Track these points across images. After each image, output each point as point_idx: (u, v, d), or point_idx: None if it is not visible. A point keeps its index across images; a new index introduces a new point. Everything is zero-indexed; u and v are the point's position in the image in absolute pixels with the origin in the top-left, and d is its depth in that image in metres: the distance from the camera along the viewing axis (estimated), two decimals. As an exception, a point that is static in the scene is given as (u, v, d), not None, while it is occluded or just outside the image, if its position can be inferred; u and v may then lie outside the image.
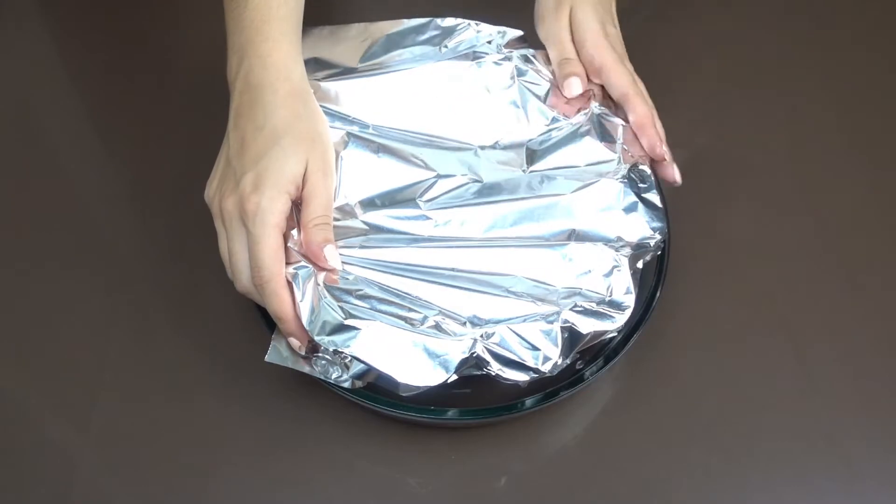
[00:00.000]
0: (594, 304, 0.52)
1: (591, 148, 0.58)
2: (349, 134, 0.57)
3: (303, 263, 0.51)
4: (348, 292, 0.51)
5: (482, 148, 0.59)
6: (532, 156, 0.58)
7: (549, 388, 0.52)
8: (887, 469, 0.55)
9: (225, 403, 0.58)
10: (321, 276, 0.51)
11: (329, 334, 0.49)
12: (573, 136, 0.59)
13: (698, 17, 0.76)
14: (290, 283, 0.50)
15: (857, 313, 0.61)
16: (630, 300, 0.53)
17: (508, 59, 0.61)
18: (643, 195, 0.56)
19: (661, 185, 0.57)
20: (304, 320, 0.50)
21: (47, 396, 0.59)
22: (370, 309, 0.51)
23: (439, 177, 0.57)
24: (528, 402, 0.52)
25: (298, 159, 0.51)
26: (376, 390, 0.51)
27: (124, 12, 0.79)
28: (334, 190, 0.55)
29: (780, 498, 0.54)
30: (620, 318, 0.52)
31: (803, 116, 0.71)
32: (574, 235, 0.54)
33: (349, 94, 0.59)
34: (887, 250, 0.64)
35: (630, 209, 0.55)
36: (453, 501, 0.55)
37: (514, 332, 0.50)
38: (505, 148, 0.59)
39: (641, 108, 0.58)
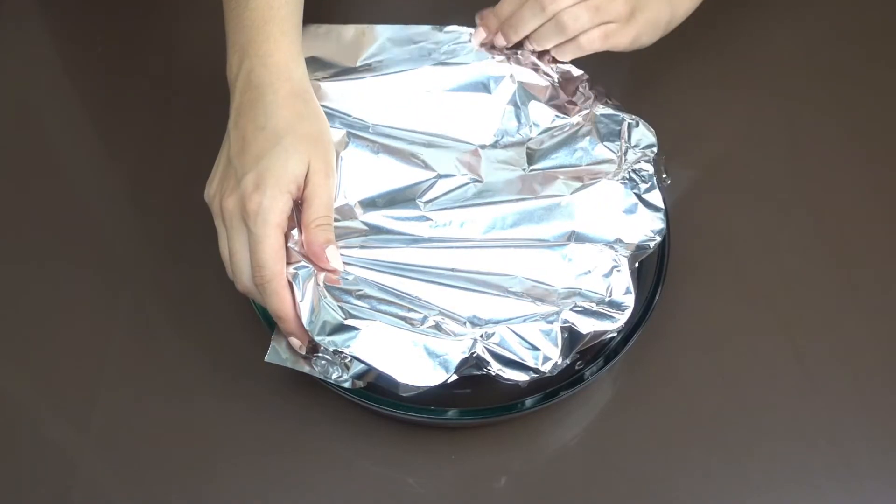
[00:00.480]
0: (594, 305, 0.52)
1: (591, 148, 0.58)
2: (349, 134, 0.57)
3: (303, 263, 0.51)
4: (348, 292, 0.51)
5: (482, 148, 0.59)
6: (532, 156, 0.58)
7: (549, 388, 0.52)
8: (887, 469, 0.55)
9: (225, 403, 0.58)
10: (321, 276, 0.51)
11: (329, 334, 0.49)
12: (573, 136, 0.59)
13: (698, 17, 0.75)
14: (290, 283, 0.50)
15: (857, 313, 0.61)
16: (630, 300, 0.53)
17: (508, 59, 0.62)
18: (643, 196, 0.56)
19: (662, 186, 0.57)
20: (304, 320, 0.50)
21: (47, 396, 0.59)
22: (370, 309, 0.51)
23: (439, 177, 0.57)
24: (528, 402, 0.52)
25: (300, 159, 0.51)
26: (376, 390, 0.51)
27: (124, 12, 0.79)
28: (335, 190, 0.55)
29: (780, 498, 0.54)
30: (620, 318, 0.52)
31: (803, 116, 0.71)
32: (574, 236, 0.54)
33: (349, 94, 0.59)
34: (887, 250, 0.64)
35: (630, 210, 0.55)
36: (453, 501, 0.55)
37: (513, 332, 0.50)
38: (505, 148, 0.59)
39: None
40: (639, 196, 0.56)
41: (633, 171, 0.57)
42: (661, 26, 0.62)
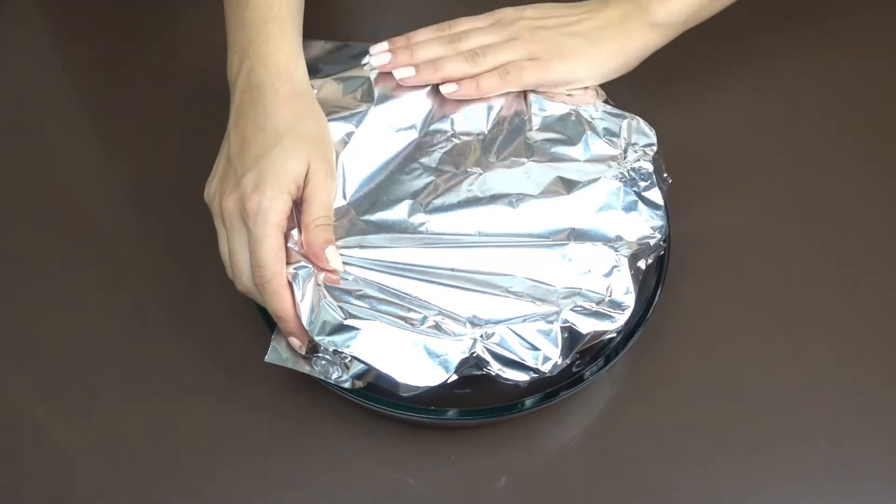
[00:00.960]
0: (594, 304, 0.52)
1: (591, 145, 0.58)
2: (349, 134, 0.57)
3: (303, 263, 0.51)
4: (348, 292, 0.51)
5: (482, 145, 0.59)
6: (532, 154, 0.58)
7: (549, 388, 0.52)
8: (887, 469, 0.55)
9: (225, 403, 0.58)
10: (321, 276, 0.51)
11: (329, 334, 0.49)
12: (573, 134, 0.59)
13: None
14: (290, 283, 0.50)
15: (857, 313, 0.61)
16: (630, 300, 0.53)
17: None
18: (643, 194, 0.56)
19: (662, 185, 0.57)
20: (304, 320, 0.50)
21: (47, 396, 0.59)
22: (370, 309, 0.51)
23: (439, 175, 0.57)
24: (528, 402, 0.52)
25: (300, 159, 0.51)
26: (376, 390, 0.51)
27: (124, 12, 0.79)
28: (335, 190, 0.55)
29: (780, 498, 0.54)
30: (620, 318, 0.52)
31: (803, 116, 0.71)
32: (574, 235, 0.54)
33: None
34: (887, 250, 0.64)
35: (630, 208, 0.55)
36: (453, 501, 0.55)
37: (513, 332, 0.50)
38: (505, 146, 0.59)
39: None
40: (638, 194, 0.56)
41: (633, 169, 0.57)
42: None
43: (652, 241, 0.55)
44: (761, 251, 0.64)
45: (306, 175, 0.52)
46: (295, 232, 0.52)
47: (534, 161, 0.58)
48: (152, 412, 0.58)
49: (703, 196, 0.66)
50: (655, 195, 0.56)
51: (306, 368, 0.51)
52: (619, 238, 0.54)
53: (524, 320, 0.51)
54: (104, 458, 0.56)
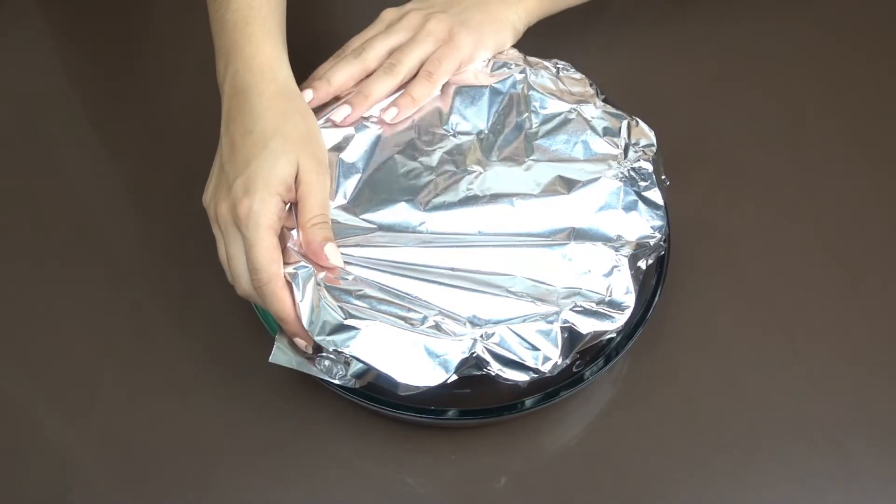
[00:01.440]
0: (594, 304, 0.52)
1: (591, 145, 0.58)
2: (348, 135, 0.57)
3: (302, 263, 0.51)
4: (348, 292, 0.51)
5: (481, 144, 0.59)
6: (532, 153, 0.58)
7: (549, 388, 0.52)
8: (887, 469, 0.55)
9: (225, 403, 0.58)
10: (321, 275, 0.51)
11: (329, 334, 0.49)
12: (574, 133, 0.59)
13: (698, 17, 0.76)
14: (289, 284, 0.50)
15: (857, 313, 0.61)
16: (630, 300, 0.53)
17: (507, 66, 0.62)
18: (643, 193, 0.56)
19: (661, 186, 0.57)
20: (304, 320, 0.50)
21: (47, 396, 0.59)
22: (370, 309, 0.51)
23: (438, 174, 0.57)
24: (528, 402, 0.52)
25: (288, 160, 0.51)
26: (376, 390, 0.51)
27: (124, 13, 0.79)
28: (332, 188, 0.55)
29: (780, 498, 0.54)
30: (620, 318, 0.52)
31: (803, 116, 0.71)
32: (574, 234, 0.54)
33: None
34: (887, 250, 0.64)
35: (630, 207, 0.55)
36: (453, 501, 0.55)
37: (513, 332, 0.50)
38: (505, 145, 0.59)
39: None
40: (638, 194, 0.56)
41: (633, 169, 0.57)
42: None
43: (652, 241, 0.55)
44: (761, 251, 0.64)
45: (298, 175, 0.52)
46: (294, 232, 0.52)
47: (534, 160, 0.57)
48: (152, 412, 0.58)
49: (703, 196, 0.66)
50: (655, 195, 0.56)
51: (312, 370, 0.51)
52: (620, 238, 0.54)
53: (524, 320, 0.51)
54: (104, 458, 0.56)
